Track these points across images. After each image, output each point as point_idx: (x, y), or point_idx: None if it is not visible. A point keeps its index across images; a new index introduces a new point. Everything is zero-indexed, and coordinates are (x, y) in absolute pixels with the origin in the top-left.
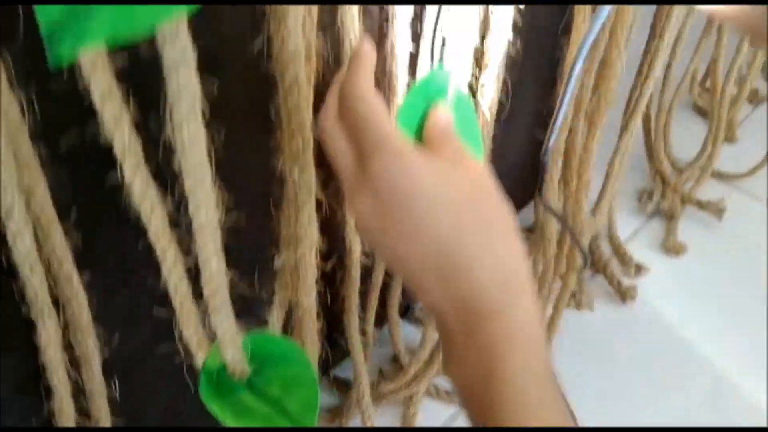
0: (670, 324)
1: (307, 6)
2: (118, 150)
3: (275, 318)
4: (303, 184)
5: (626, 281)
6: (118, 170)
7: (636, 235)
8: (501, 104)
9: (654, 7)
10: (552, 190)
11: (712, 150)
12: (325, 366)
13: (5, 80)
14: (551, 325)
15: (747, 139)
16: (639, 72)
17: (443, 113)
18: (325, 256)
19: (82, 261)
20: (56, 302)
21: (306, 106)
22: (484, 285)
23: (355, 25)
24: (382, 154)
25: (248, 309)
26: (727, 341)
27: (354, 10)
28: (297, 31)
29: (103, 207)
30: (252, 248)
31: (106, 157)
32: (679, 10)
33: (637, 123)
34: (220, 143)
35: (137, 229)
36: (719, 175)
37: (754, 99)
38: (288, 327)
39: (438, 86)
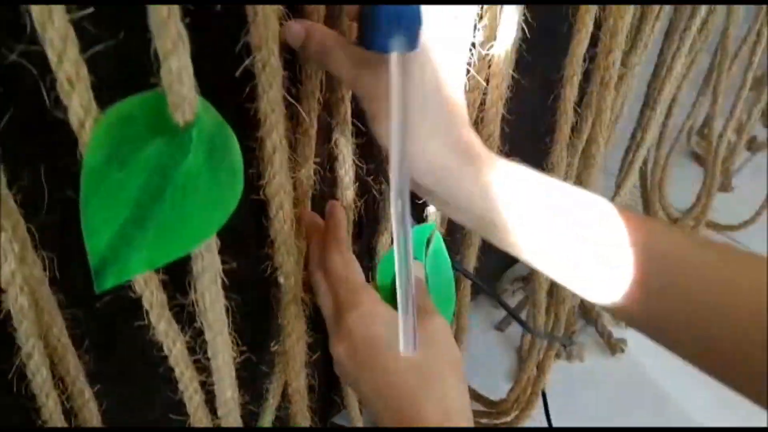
0: (659, 378)
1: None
2: (146, 303)
3: (273, 390)
4: (289, 288)
5: (617, 333)
6: (145, 316)
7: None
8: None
9: (648, 77)
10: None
11: (705, 202)
12: (326, 416)
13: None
14: (540, 374)
15: (744, 187)
16: (633, 136)
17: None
18: (312, 347)
19: (94, 377)
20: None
21: (290, 228)
22: (429, 414)
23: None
24: (353, 311)
25: (250, 378)
26: (716, 396)
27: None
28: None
29: (120, 337)
30: (254, 332)
31: (131, 304)
32: (671, 82)
33: (629, 185)
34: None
35: (153, 353)
36: (714, 226)
37: (753, 146)
38: (285, 398)
39: (417, 243)
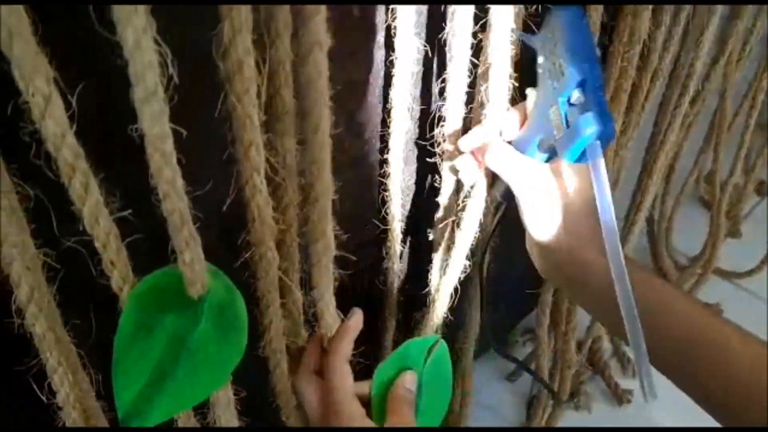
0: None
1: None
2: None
3: None
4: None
5: (623, 383)
6: None
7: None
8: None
9: (645, 141)
10: (543, 341)
11: (712, 249)
12: None
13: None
14: (549, 424)
15: (754, 232)
16: (633, 198)
17: (404, 385)
18: None
19: None
20: None
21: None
22: None
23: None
24: (338, 418)
25: None
26: None
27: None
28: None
29: None
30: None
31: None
32: (666, 153)
33: (632, 245)
34: None
35: None
36: (722, 273)
37: (762, 190)
38: None
39: (416, 353)
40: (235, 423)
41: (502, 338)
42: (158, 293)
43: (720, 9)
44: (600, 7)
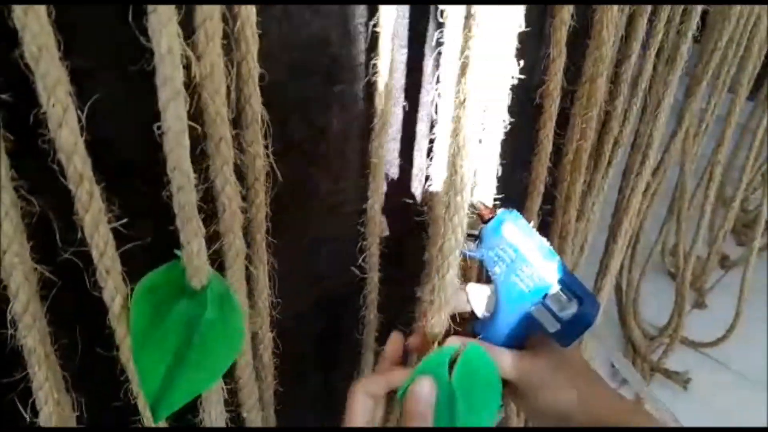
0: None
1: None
2: None
3: None
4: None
5: None
6: None
7: None
8: None
9: (611, 208)
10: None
11: (678, 319)
12: None
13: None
14: None
15: (719, 304)
16: (600, 264)
17: (420, 390)
18: None
19: None
20: None
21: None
22: None
23: None
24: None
25: None
26: None
27: None
28: None
29: None
30: None
31: None
32: (629, 219)
33: (600, 314)
34: None
35: None
36: (690, 342)
37: (726, 264)
38: None
39: (436, 364)
40: (223, 415)
41: None
42: (163, 287)
43: (674, 84)
44: (563, 53)
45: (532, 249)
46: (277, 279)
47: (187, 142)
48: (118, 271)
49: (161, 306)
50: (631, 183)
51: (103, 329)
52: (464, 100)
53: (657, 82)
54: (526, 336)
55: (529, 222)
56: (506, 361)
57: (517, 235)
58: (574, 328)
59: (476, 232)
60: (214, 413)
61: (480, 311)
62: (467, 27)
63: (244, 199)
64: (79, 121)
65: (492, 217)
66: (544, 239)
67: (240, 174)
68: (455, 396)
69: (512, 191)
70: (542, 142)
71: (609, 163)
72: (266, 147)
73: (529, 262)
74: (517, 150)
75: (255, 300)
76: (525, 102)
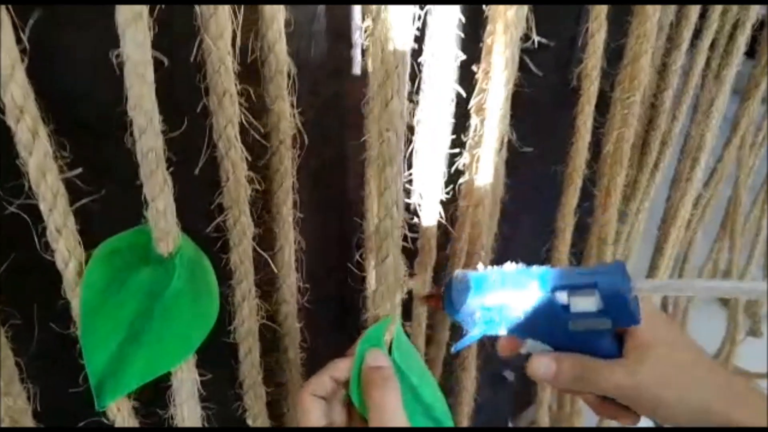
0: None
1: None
2: None
3: None
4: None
5: None
6: None
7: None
8: None
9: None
10: (543, 413)
11: (730, 348)
12: None
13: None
14: None
15: None
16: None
17: (370, 365)
18: None
19: None
20: None
21: (258, 372)
22: None
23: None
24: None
25: None
26: None
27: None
28: (252, 316)
29: None
30: None
31: None
32: (678, 226)
33: None
34: None
35: None
36: (743, 373)
37: None
38: None
39: (382, 332)
40: (198, 412)
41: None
42: (125, 252)
43: (729, 81)
44: (603, 27)
45: (507, 294)
46: (305, 261)
47: (151, 76)
48: (72, 231)
49: (120, 273)
50: (680, 191)
51: (57, 302)
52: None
53: (709, 78)
54: (606, 341)
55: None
56: (608, 379)
57: (483, 296)
58: (619, 307)
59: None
60: (187, 408)
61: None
62: None
63: (266, 166)
64: (19, 42)
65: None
66: (504, 267)
67: (263, 137)
68: (402, 370)
69: (545, 186)
70: (579, 129)
71: (656, 165)
72: (293, 105)
73: (514, 306)
74: (551, 139)
75: (279, 285)
76: (559, 85)
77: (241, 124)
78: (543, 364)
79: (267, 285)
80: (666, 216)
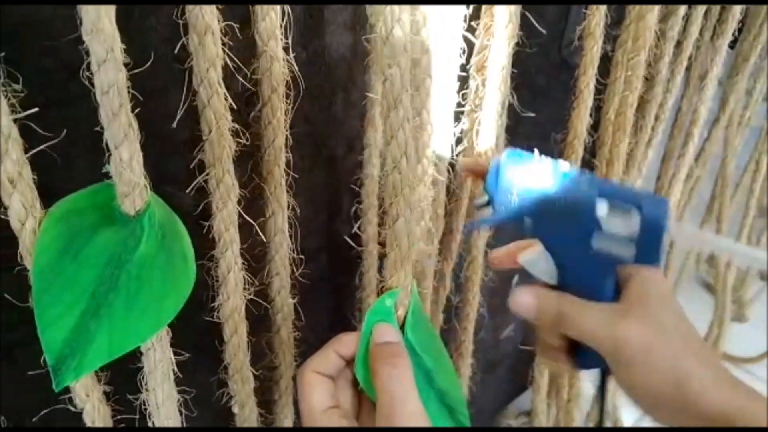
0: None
1: None
2: (87, 419)
3: None
4: (244, 419)
5: None
6: None
7: (640, 422)
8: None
9: None
10: (540, 400)
11: (718, 332)
12: None
13: None
14: None
15: (759, 317)
16: None
17: (378, 340)
18: None
19: None
20: None
21: (244, 354)
22: None
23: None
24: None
25: None
26: None
27: None
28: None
29: None
30: None
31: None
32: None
33: None
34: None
35: None
36: (730, 358)
37: (765, 275)
38: None
39: (393, 304)
40: (174, 397)
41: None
42: (86, 211)
43: (723, 51)
44: (602, 9)
45: (549, 180)
46: (300, 228)
47: None
48: (29, 183)
49: (79, 235)
50: (672, 168)
51: (12, 269)
52: None
53: (703, 50)
54: (611, 279)
55: None
56: (587, 323)
57: (526, 174)
58: (650, 239)
59: (484, 200)
60: (161, 393)
61: (547, 277)
62: None
63: (256, 120)
64: None
65: (487, 169)
66: (559, 160)
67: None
68: (416, 351)
69: (544, 154)
70: (582, 92)
71: (649, 141)
72: (286, 50)
73: (550, 194)
74: (549, 104)
75: (271, 256)
76: (555, 51)
77: (225, 69)
78: (527, 296)
79: (255, 257)
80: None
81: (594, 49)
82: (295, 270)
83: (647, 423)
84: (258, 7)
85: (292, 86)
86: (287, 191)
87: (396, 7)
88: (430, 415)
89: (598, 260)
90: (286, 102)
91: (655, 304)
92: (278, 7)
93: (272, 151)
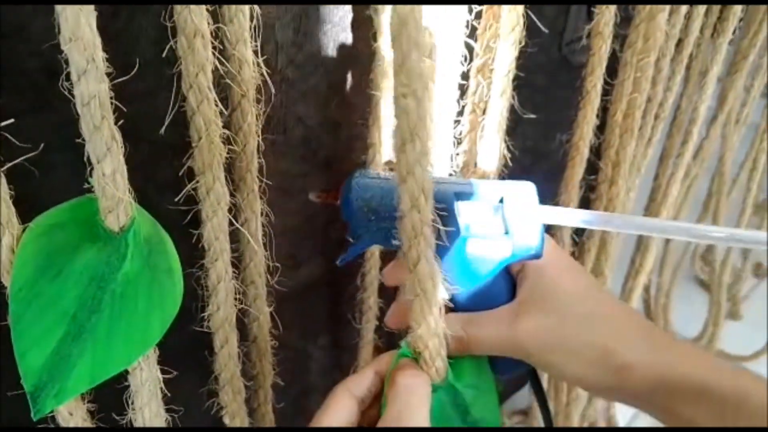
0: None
1: None
2: None
3: None
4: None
5: None
6: None
7: (635, 420)
8: None
9: (645, 201)
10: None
11: (713, 330)
12: None
13: None
14: None
15: (755, 314)
16: (632, 262)
17: (403, 372)
18: None
19: None
20: None
21: (235, 364)
22: None
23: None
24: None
25: None
26: None
27: None
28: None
29: None
30: None
31: None
32: (668, 207)
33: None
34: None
35: None
36: (725, 356)
37: (759, 272)
38: None
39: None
40: (162, 416)
41: None
42: (66, 228)
43: (724, 50)
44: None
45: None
46: (275, 236)
47: None
48: (5, 197)
49: (60, 253)
50: (670, 168)
51: None
52: None
53: (703, 48)
54: (503, 280)
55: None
56: (492, 331)
57: (376, 191)
58: (523, 228)
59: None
60: (148, 412)
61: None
62: None
63: (226, 126)
64: None
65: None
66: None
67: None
68: (455, 387)
69: (547, 157)
70: (589, 92)
71: (650, 140)
72: (256, 53)
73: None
74: (553, 105)
75: (246, 264)
76: (555, 50)
77: (215, 73)
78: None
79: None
80: (655, 194)
81: (602, 49)
82: (269, 279)
83: (643, 421)
84: (225, 9)
85: (263, 90)
86: (260, 198)
87: (413, 30)
88: None
89: (481, 266)
90: (258, 105)
91: (547, 290)
92: (247, 9)
93: (244, 156)
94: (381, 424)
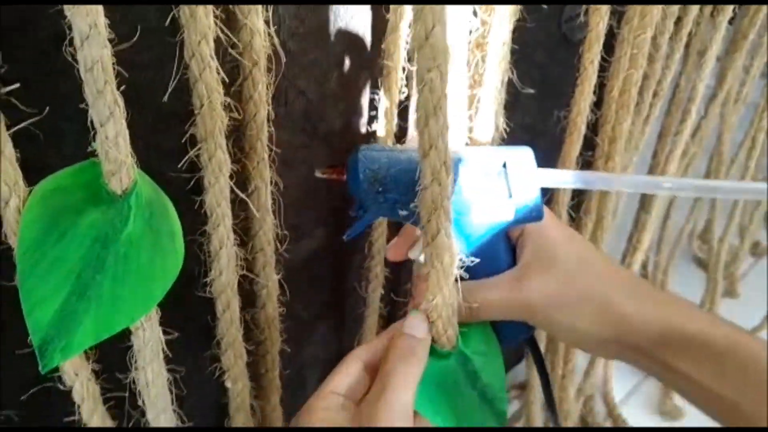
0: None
1: None
2: (77, 396)
3: None
4: (237, 394)
5: None
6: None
7: (631, 396)
8: None
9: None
10: (535, 375)
11: (710, 308)
12: None
13: None
14: None
15: (752, 293)
16: (629, 239)
17: (412, 320)
18: None
19: None
20: None
21: (237, 328)
22: None
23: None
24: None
25: None
26: None
27: None
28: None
29: None
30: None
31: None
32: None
33: None
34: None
35: None
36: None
37: (756, 251)
38: None
39: None
40: (164, 376)
41: None
42: (70, 190)
43: (723, 27)
44: None
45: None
46: (284, 204)
47: None
48: (11, 160)
49: (64, 215)
50: (668, 146)
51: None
52: None
53: (702, 27)
54: (503, 246)
55: None
56: (497, 296)
57: (383, 163)
58: (524, 192)
59: (357, 209)
60: (151, 372)
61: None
62: None
63: (237, 95)
64: None
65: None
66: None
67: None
68: (466, 354)
69: (544, 133)
70: (587, 69)
71: (647, 117)
72: (267, 23)
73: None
74: (550, 80)
75: (255, 232)
76: (554, 26)
77: (218, 42)
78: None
79: (242, 232)
80: (653, 172)
81: (600, 26)
82: (278, 246)
83: (643, 421)
84: None
85: (274, 60)
86: (270, 166)
87: (437, 5)
88: (468, 417)
89: (484, 232)
90: (269, 75)
91: (549, 252)
92: None
93: (254, 125)
94: (365, 398)
